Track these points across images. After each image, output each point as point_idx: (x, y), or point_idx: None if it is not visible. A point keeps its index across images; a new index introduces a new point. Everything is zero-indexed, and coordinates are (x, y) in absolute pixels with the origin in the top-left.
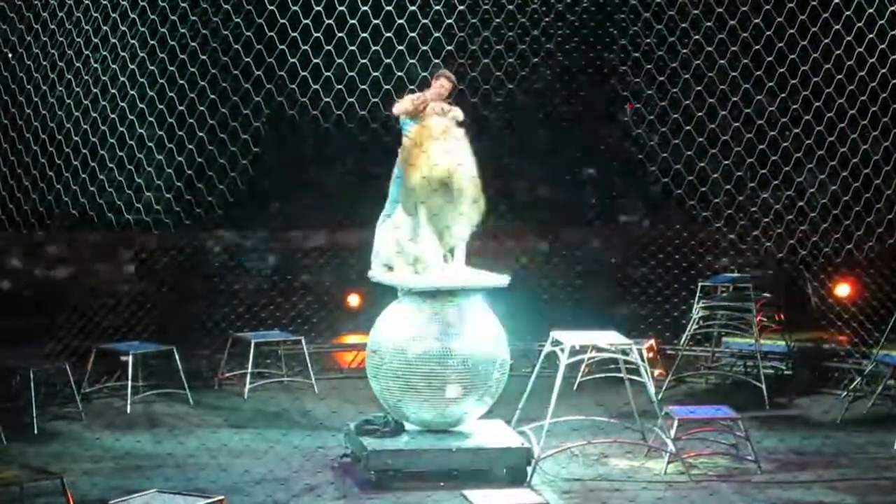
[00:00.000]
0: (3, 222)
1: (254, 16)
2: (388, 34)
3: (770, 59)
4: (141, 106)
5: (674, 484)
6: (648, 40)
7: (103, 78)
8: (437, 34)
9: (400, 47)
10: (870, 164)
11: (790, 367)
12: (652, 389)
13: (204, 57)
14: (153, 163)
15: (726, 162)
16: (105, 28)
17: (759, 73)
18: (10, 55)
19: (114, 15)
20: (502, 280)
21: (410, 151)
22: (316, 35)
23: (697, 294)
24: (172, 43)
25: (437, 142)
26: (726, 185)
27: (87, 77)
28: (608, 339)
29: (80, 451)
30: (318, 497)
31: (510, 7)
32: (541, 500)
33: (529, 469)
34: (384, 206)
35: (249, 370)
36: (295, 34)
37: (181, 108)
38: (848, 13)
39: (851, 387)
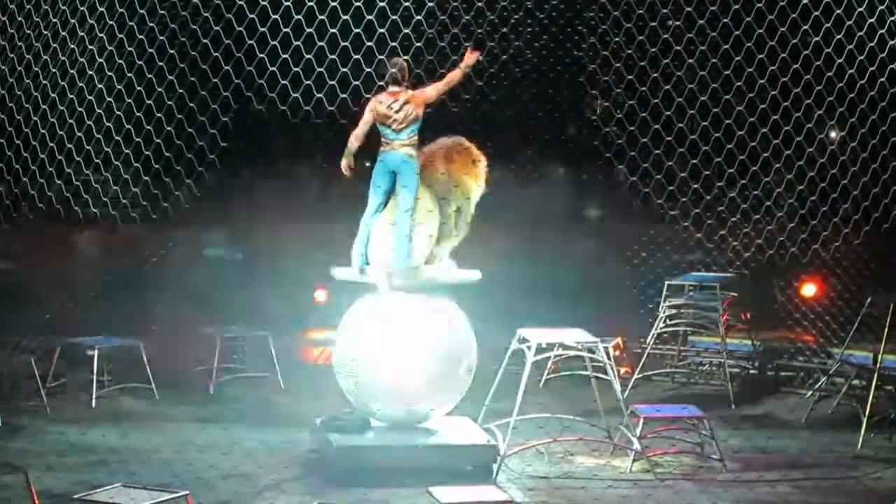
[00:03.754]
0: None
1: (222, 10)
2: (358, 30)
3: (738, 58)
4: (108, 100)
5: (639, 482)
6: (617, 38)
7: (71, 71)
8: (406, 30)
9: (369, 43)
10: (837, 164)
11: (756, 367)
12: (618, 387)
13: (172, 51)
14: (120, 157)
15: (694, 161)
16: (73, 21)
17: (727, 72)
18: None
19: (82, 8)
20: (473, 275)
21: (469, 163)
22: (285, 30)
23: (664, 292)
24: (140, 37)
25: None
26: (694, 183)
27: (54, 70)
28: (575, 336)
29: (44, 446)
30: (283, 493)
31: (479, 3)
32: (506, 497)
33: (495, 466)
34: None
35: (216, 365)
36: (264, 29)
37: (149, 101)
38: (816, 13)
39: (817, 386)
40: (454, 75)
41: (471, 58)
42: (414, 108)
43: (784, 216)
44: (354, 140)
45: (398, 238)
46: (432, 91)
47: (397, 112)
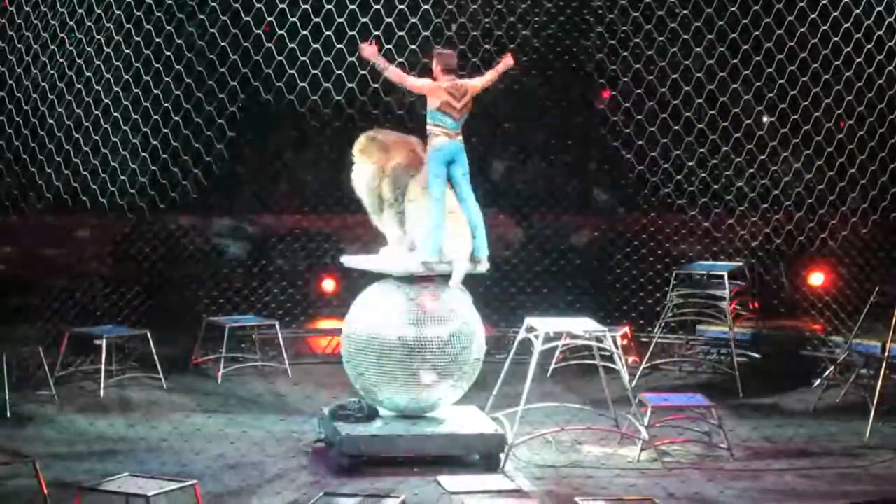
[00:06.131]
0: None
1: (229, 0)
2: (365, 19)
3: (746, 47)
4: (116, 89)
5: (646, 471)
6: (625, 28)
7: (78, 61)
8: (413, 20)
9: (376, 32)
10: (845, 153)
11: (764, 356)
12: (626, 377)
13: (179, 41)
14: (128, 146)
15: (701, 150)
16: (80, 11)
17: (735, 61)
18: None
19: None
20: (482, 266)
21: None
22: (292, 20)
23: (672, 282)
24: (148, 27)
25: None
26: (701, 172)
27: (62, 60)
28: (582, 325)
29: (52, 435)
30: (291, 482)
31: None
32: (514, 486)
33: (503, 455)
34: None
35: (223, 354)
36: (271, 19)
37: (156, 91)
38: (824, 2)
39: (825, 375)
40: (493, 76)
41: (508, 62)
42: (470, 99)
43: (792, 205)
44: (395, 73)
45: (482, 227)
46: (479, 85)
47: (459, 101)
